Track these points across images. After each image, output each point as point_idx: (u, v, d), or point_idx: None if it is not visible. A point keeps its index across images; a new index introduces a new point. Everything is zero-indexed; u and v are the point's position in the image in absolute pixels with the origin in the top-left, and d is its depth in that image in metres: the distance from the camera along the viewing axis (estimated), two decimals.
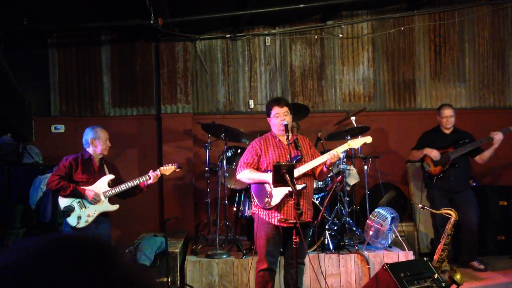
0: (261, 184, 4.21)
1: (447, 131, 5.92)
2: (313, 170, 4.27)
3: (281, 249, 4.37)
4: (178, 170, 4.96)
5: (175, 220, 5.57)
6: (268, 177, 4.07)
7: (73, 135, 6.65)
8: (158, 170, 4.83)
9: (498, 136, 5.60)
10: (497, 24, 7.42)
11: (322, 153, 5.19)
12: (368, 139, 4.34)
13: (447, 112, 5.87)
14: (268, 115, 4.38)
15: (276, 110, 4.29)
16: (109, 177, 4.74)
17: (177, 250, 5.33)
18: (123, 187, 4.69)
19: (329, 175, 5.76)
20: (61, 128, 6.85)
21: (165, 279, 5.11)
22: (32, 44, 6.85)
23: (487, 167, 7.08)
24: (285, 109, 4.30)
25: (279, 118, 4.27)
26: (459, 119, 6.46)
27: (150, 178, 4.71)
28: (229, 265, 5.25)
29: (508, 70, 7.43)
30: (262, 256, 4.22)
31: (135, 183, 4.71)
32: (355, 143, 4.36)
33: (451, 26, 7.35)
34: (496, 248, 6.57)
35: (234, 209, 6.20)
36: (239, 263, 5.25)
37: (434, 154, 5.75)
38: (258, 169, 4.28)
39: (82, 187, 4.60)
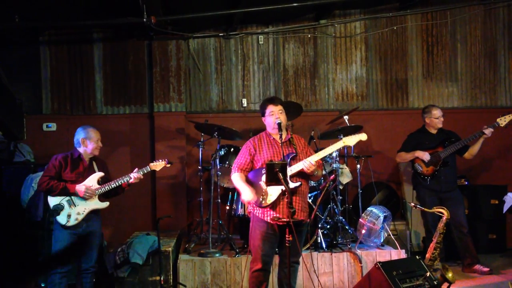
0: (256, 181, 4.21)
1: (434, 131, 5.94)
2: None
3: (276, 248, 4.36)
4: (168, 165, 4.99)
5: (168, 219, 5.55)
6: (245, 192, 4.14)
7: (65, 133, 6.62)
8: (148, 166, 4.85)
9: (490, 132, 5.69)
10: (489, 24, 7.46)
11: (316, 152, 5.20)
12: (363, 136, 4.33)
13: (439, 112, 5.91)
14: (263, 114, 4.39)
15: (271, 108, 4.31)
16: (99, 174, 4.72)
17: (170, 249, 5.32)
18: (113, 184, 4.68)
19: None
20: (53, 127, 6.81)
21: (157, 278, 5.10)
22: (24, 42, 6.79)
23: (480, 166, 7.13)
24: (280, 107, 4.32)
25: (274, 116, 4.28)
26: (451, 119, 6.51)
27: (131, 179, 4.73)
28: (222, 263, 5.24)
29: (499, 69, 7.48)
30: (258, 256, 4.20)
31: (124, 181, 4.71)
32: (350, 140, 4.35)
33: (444, 26, 7.38)
34: (487, 246, 6.62)
35: (227, 207, 6.19)
36: (232, 262, 5.25)
37: (426, 157, 5.75)
38: (252, 167, 4.31)
39: (72, 185, 4.57)
